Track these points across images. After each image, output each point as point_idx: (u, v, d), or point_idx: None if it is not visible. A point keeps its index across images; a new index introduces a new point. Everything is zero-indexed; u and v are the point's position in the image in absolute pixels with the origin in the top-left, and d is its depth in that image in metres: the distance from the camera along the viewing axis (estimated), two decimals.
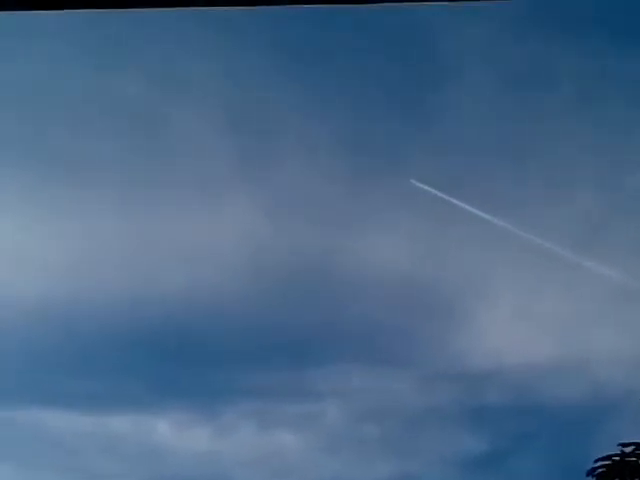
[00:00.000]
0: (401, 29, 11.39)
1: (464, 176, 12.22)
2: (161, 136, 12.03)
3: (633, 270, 11.58)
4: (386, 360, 12.41)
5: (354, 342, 12.48)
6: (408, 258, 12.35)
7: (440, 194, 11.74)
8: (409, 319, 12.47)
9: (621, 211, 12.07)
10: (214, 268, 12.40)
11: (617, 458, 9.01)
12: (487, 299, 12.29)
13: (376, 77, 12.03)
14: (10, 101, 11.56)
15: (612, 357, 11.53)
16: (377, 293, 12.46)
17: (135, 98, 11.73)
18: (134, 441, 12.37)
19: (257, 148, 12.13)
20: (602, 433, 11.04)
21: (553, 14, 11.00)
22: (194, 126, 12.03)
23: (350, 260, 12.41)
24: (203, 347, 12.56)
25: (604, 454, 9.13)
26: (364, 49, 11.76)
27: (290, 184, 12.30)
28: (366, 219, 12.29)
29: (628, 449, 9.05)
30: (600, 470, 8.97)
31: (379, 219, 12.30)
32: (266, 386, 12.26)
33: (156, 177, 12.14)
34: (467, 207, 11.84)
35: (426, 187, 11.73)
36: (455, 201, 11.81)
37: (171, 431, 12.44)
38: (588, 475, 8.97)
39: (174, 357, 12.50)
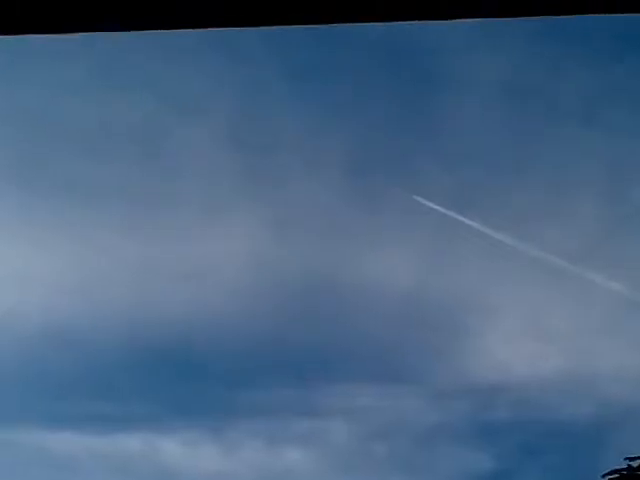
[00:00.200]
0: (404, 44, 11.41)
1: (468, 192, 12.21)
2: (164, 156, 12.07)
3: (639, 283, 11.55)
4: (393, 377, 12.38)
5: (361, 359, 12.45)
6: (414, 274, 12.33)
7: (445, 210, 11.74)
8: (415, 336, 12.45)
9: (627, 224, 12.04)
10: (219, 287, 12.41)
11: (625, 472, 8.98)
12: (493, 314, 12.26)
13: (380, 93, 12.05)
14: (15, 124, 11.61)
15: (619, 371, 11.49)
16: (383, 310, 12.44)
17: (138, 118, 11.77)
18: (142, 461, 12.36)
19: (261, 166, 12.16)
20: (609, 447, 10.98)
21: (557, 24, 11.00)
22: (198, 145, 12.07)
23: (356, 277, 12.40)
24: (210, 366, 12.55)
25: (611, 468, 9.10)
26: (368, 65, 11.79)
27: (295, 202, 12.31)
28: (371, 236, 12.29)
29: (635, 463, 9.02)
30: None
31: (384, 236, 12.29)
32: (274, 404, 12.24)
33: (161, 197, 12.17)
34: (472, 223, 11.83)
35: (430, 204, 11.73)
36: (460, 217, 11.80)
37: (180, 450, 12.42)
38: None
39: (181, 376, 12.50)
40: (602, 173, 11.94)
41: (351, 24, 3.02)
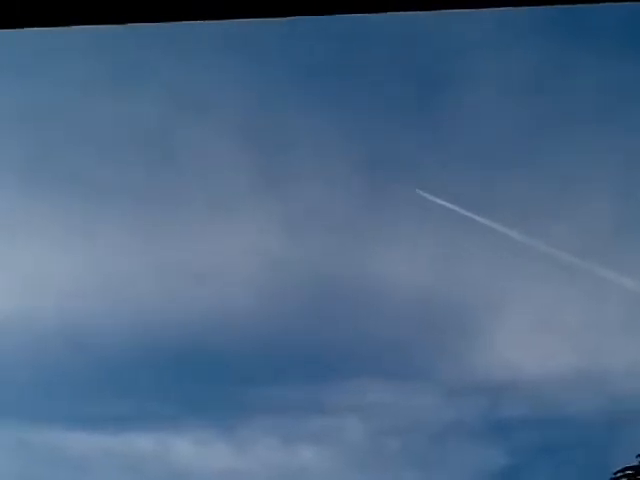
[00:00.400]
0: (412, 40, 11.42)
1: (479, 189, 12.22)
2: (178, 155, 12.10)
3: None
4: (407, 375, 12.39)
5: (374, 357, 12.47)
6: (425, 272, 12.33)
7: (457, 208, 11.74)
8: (428, 333, 12.47)
9: (637, 220, 12.02)
10: (232, 286, 12.43)
11: (637, 469, 8.97)
12: (505, 312, 12.25)
13: (389, 91, 12.04)
14: (29, 125, 11.66)
15: (632, 367, 11.48)
16: (396, 307, 12.45)
17: (151, 118, 11.79)
18: (156, 460, 12.39)
19: (272, 165, 12.18)
20: (622, 444, 10.96)
21: (568, 21, 11.00)
22: (210, 145, 12.09)
23: (368, 275, 12.40)
24: (223, 365, 12.60)
25: (623, 465, 9.09)
26: (377, 63, 11.78)
27: (306, 200, 12.32)
28: (382, 234, 12.29)
29: None
30: None
31: (396, 234, 12.29)
32: (286, 402, 12.25)
33: (174, 197, 12.19)
34: (484, 221, 11.83)
35: (442, 202, 11.74)
36: (472, 215, 11.80)
37: (192, 449, 12.45)
38: None
39: (194, 375, 12.55)
40: (615, 170, 11.94)
41: (356, 14, 3.03)
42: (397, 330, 12.41)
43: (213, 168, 12.17)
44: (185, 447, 12.41)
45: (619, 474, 9.09)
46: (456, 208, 11.71)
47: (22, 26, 2.91)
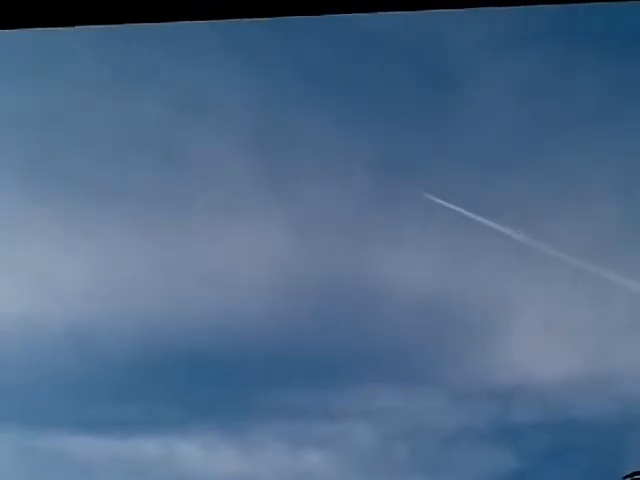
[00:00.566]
0: (417, 41, 11.40)
1: (484, 190, 12.19)
2: (184, 157, 12.09)
3: None
4: (414, 378, 12.36)
5: (382, 361, 12.44)
6: (432, 275, 12.31)
7: (464, 211, 11.71)
8: (436, 337, 12.43)
9: None
10: (240, 289, 12.41)
11: None
12: (512, 315, 12.22)
13: (394, 92, 12.03)
14: (32, 126, 11.66)
15: None
16: (404, 311, 12.43)
17: (156, 119, 11.79)
18: (163, 464, 12.37)
19: (277, 167, 12.16)
20: (631, 448, 10.92)
21: (572, 22, 10.99)
22: (215, 146, 12.08)
23: (375, 278, 12.38)
24: (230, 369, 12.57)
25: (633, 469, 9.06)
26: (382, 63, 11.77)
27: (314, 203, 12.31)
28: (389, 236, 12.26)
29: None
30: None
31: (402, 236, 12.27)
32: (294, 407, 12.23)
33: (180, 199, 12.18)
34: (490, 223, 11.80)
35: (449, 204, 11.72)
36: (477, 217, 11.78)
37: (200, 453, 12.42)
38: None
39: (202, 379, 12.53)
40: (621, 170, 11.91)
41: (360, 14, 3.01)
42: (405, 333, 12.40)
43: (218, 170, 12.16)
44: (192, 451, 12.40)
45: (628, 478, 9.06)
46: (462, 210, 11.69)
47: (24, 26, 2.88)
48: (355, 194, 12.29)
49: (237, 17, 2.94)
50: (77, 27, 2.87)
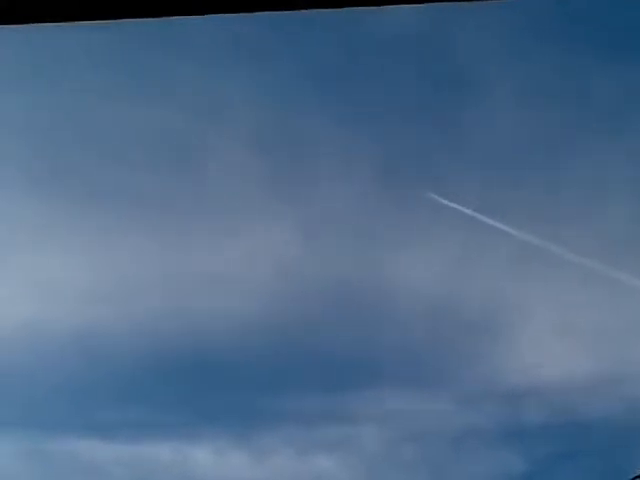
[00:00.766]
0: (425, 39, 11.38)
1: (496, 194, 12.16)
2: (192, 161, 12.09)
3: None
4: (423, 381, 12.33)
5: (390, 363, 12.41)
6: (442, 277, 12.28)
7: (473, 213, 11.69)
8: (445, 339, 12.40)
9: None
10: (249, 293, 12.40)
11: None
12: (522, 316, 12.19)
13: (404, 93, 12.00)
14: (43, 130, 11.66)
15: None
16: (411, 313, 12.40)
17: (166, 125, 11.79)
18: (173, 469, 12.35)
19: (286, 169, 12.15)
20: None
21: (583, 23, 10.97)
22: (225, 150, 12.08)
23: (383, 281, 12.36)
24: (240, 373, 12.56)
25: None
26: (392, 64, 11.74)
27: (322, 206, 12.29)
28: (399, 239, 12.24)
29: None
30: None
31: (412, 239, 12.25)
32: (303, 411, 12.21)
33: (189, 203, 12.18)
34: (500, 225, 11.77)
35: (459, 206, 11.69)
36: (488, 219, 11.75)
37: (210, 458, 12.40)
38: None
39: (210, 384, 12.50)
40: (632, 174, 11.87)
41: (369, 7, 2.99)
42: (414, 336, 12.37)
43: (229, 176, 12.15)
44: (202, 456, 12.38)
45: (638, 479, 9.03)
46: (472, 212, 11.66)
47: (31, 22, 2.87)
48: (362, 195, 12.27)
49: (243, 11, 2.93)
50: (83, 23, 2.87)
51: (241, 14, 2.95)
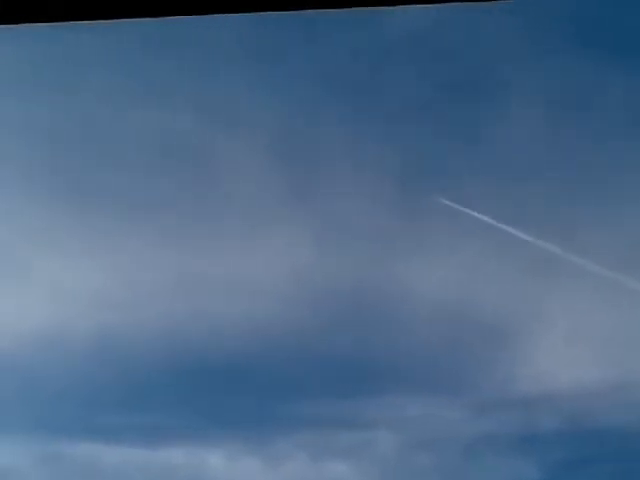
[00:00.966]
0: (441, 40, 11.35)
1: (512, 201, 12.13)
2: (207, 168, 12.10)
3: None
4: (437, 387, 12.31)
5: (405, 370, 12.39)
6: (456, 284, 12.26)
7: (488, 220, 11.67)
8: (459, 345, 12.37)
9: None
10: (263, 298, 12.40)
11: None
12: (537, 324, 12.14)
13: (420, 99, 11.98)
14: (55, 135, 11.69)
15: None
16: (426, 319, 12.38)
17: (180, 129, 11.81)
18: (187, 473, 12.36)
19: (301, 176, 12.16)
20: None
21: (602, 31, 10.94)
22: (240, 158, 12.09)
23: (398, 287, 12.35)
24: (254, 377, 12.55)
25: None
26: (408, 69, 11.73)
27: (338, 212, 12.29)
28: (413, 245, 12.24)
29: None
30: None
31: (428, 245, 12.24)
32: (318, 416, 12.20)
33: (203, 209, 12.20)
34: (515, 232, 11.75)
35: (475, 213, 11.67)
36: (502, 226, 11.73)
37: (223, 463, 12.41)
38: None
39: (225, 388, 12.52)
40: None
41: (365, 8, 2.99)
42: (428, 342, 12.35)
43: (244, 183, 12.16)
44: (215, 461, 12.39)
45: None
46: (487, 218, 11.64)
47: (41, 21, 2.88)
48: (379, 202, 12.26)
49: (249, 11, 2.93)
50: (76, 23, 2.87)
51: (246, 14, 2.95)
